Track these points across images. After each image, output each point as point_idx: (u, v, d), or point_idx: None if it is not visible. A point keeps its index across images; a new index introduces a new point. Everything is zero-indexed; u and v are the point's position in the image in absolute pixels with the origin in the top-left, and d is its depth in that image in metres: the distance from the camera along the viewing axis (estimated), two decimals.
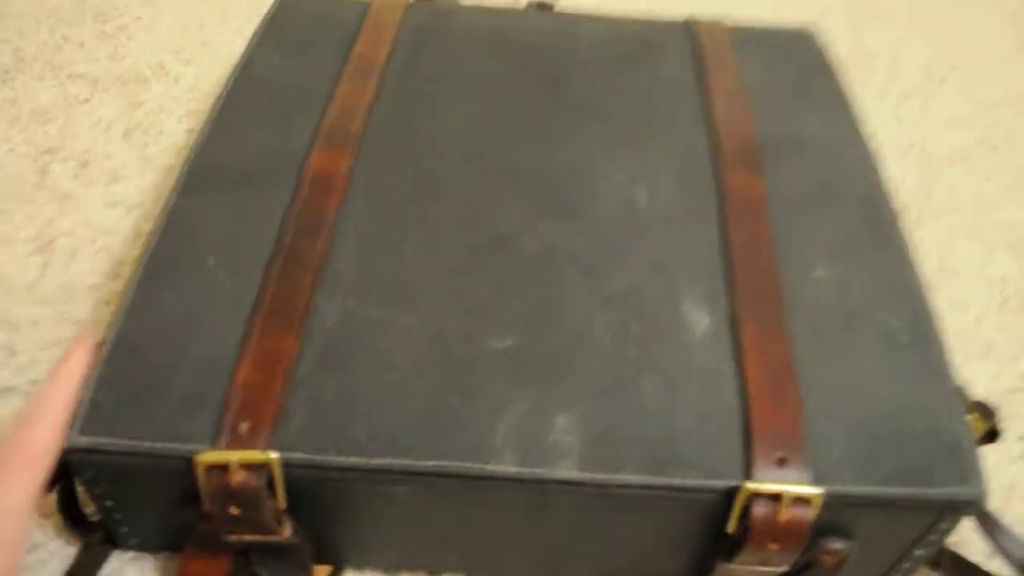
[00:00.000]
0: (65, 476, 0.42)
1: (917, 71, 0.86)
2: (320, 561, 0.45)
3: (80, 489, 0.44)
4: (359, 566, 0.47)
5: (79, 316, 0.59)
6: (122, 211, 0.66)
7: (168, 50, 0.80)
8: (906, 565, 0.44)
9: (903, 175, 0.74)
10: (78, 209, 0.65)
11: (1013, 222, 0.71)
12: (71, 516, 0.45)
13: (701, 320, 0.44)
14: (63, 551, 0.47)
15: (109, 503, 0.43)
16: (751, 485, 0.38)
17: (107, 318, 0.58)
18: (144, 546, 0.46)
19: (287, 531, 0.41)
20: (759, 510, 0.38)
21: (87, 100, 0.75)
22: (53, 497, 0.43)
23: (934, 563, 0.46)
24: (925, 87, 0.84)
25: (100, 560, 0.46)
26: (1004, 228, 0.70)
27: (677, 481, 0.39)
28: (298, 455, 0.39)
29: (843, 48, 0.87)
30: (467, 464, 0.39)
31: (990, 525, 0.42)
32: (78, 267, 0.62)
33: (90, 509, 0.45)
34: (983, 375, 0.59)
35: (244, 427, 0.40)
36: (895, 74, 0.86)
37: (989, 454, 0.44)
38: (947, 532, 0.42)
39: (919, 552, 0.43)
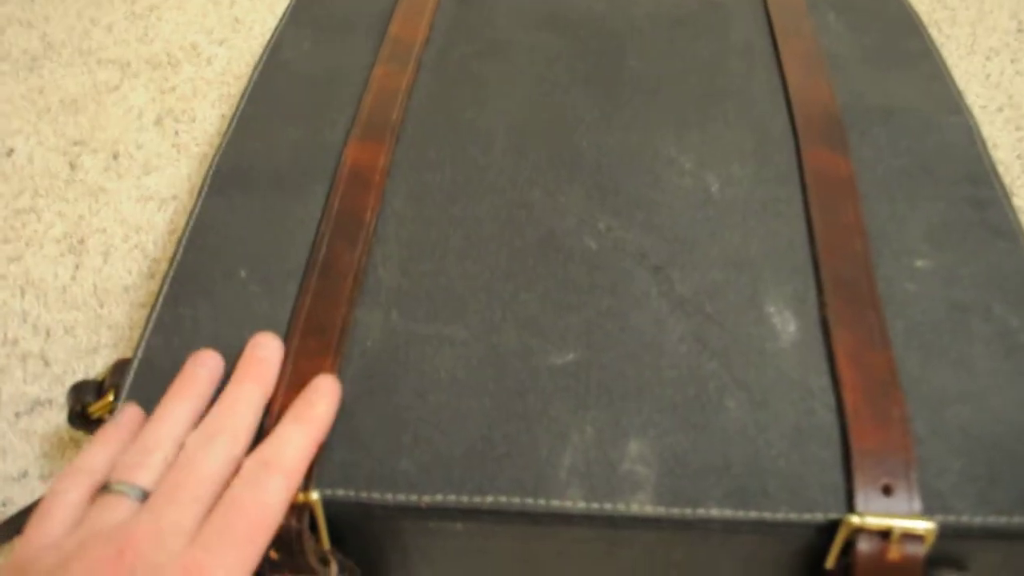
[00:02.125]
0: None
1: (1005, 23, 0.79)
2: None
3: None
4: None
5: (115, 320, 0.56)
6: (155, 205, 0.62)
7: (200, 30, 0.77)
8: None
9: (995, 138, 0.67)
10: (109, 204, 0.62)
11: None
12: None
13: (787, 325, 0.39)
14: None
15: None
16: (854, 519, 0.33)
17: (142, 322, 0.55)
18: None
19: (333, 571, 0.37)
20: (864, 547, 0.34)
21: (117, 87, 0.71)
22: None
23: None
24: (1015, 41, 0.77)
25: None
26: None
27: (767, 515, 0.34)
28: (341, 492, 0.35)
29: (922, 1, 0.80)
30: (528, 500, 0.35)
31: None
32: (111, 268, 0.59)
33: None
34: None
35: None
36: (981, 27, 0.78)
37: None
38: None
39: None
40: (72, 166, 0.65)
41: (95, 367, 0.53)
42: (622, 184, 0.45)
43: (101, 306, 0.56)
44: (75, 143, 0.66)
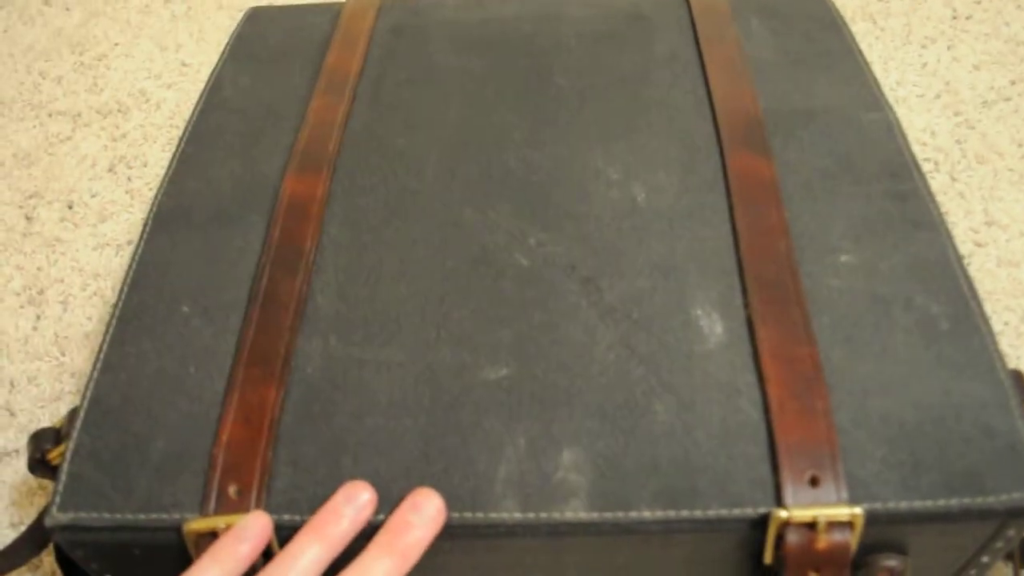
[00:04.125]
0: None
1: (939, 11, 0.80)
2: None
3: None
4: None
5: (77, 367, 0.57)
6: (112, 251, 0.63)
7: (148, 76, 0.78)
8: (973, 572, 0.40)
9: (933, 125, 0.69)
10: (67, 254, 0.63)
11: None
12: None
13: (714, 327, 0.40)
14: None
15: None
16: (781, 512, 0.34)
17: None
18: None
19: None
20: (793, 539, 0.35)
21: (69, 138, 0.72)
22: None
23: (1007, 555, 0.41)
24: (950, 28, 0.78)
25: None
26: None
27: (698, 513, 0.35)
28: (287, 517, 0.36)
29: None
30: (467, 514, 0.36)
31: None
32: (71, 316, 0.59)
33: None
34: None
35: (232, 489, 0.37)
36: (915, 17, 0.80)
37: None
38: (1017, 536, 0.37)
39: (986, 559, 0.39)
40: (28, 219, 0.66)
41: (59, 414, 0.54)
42: (551, 199, 0.46)
43: (63, 354, 0.57)
44: (30, 196, 0.67)
